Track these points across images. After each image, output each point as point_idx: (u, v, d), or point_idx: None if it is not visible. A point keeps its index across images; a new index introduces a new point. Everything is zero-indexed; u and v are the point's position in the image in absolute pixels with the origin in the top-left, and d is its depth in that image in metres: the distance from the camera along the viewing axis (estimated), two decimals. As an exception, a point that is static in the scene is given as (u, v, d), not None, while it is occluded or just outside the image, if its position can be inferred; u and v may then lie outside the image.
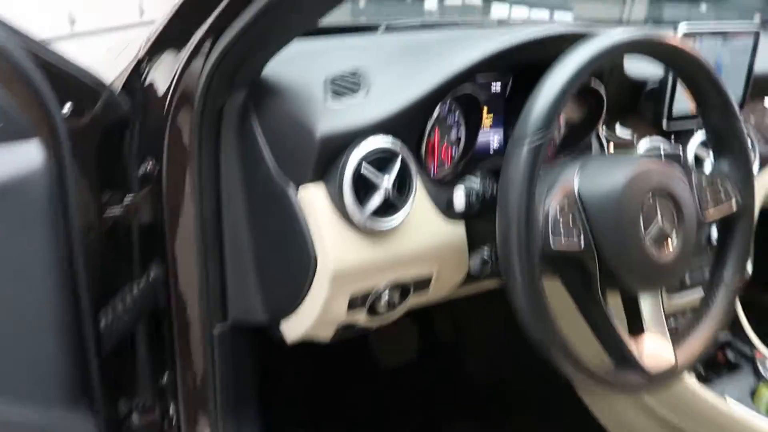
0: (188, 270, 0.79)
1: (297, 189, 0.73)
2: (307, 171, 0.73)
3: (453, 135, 0.87)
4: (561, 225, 0.68)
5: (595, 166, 0.72)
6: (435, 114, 0.80)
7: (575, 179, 0.71)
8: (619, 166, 0.72)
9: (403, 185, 0.74)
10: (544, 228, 0.67)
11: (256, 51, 0.69)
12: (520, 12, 2.06)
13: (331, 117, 0.73)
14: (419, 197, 0.77)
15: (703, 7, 2.48)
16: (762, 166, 1.11)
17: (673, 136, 1.01)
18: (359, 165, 0.71)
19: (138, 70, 0.80)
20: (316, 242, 0.73)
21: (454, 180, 0.85)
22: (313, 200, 0.73)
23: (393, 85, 0.79)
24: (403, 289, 0.81)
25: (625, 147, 0.97)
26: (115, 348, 0.79)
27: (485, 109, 0.86)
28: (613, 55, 0.70)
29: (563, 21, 2.09)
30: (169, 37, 0.75)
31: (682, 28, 0.97)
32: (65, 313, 0.74)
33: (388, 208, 0.73)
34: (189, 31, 0.69)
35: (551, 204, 0.68)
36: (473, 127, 0.87)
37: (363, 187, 0.71)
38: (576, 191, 0.70)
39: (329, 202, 0.73)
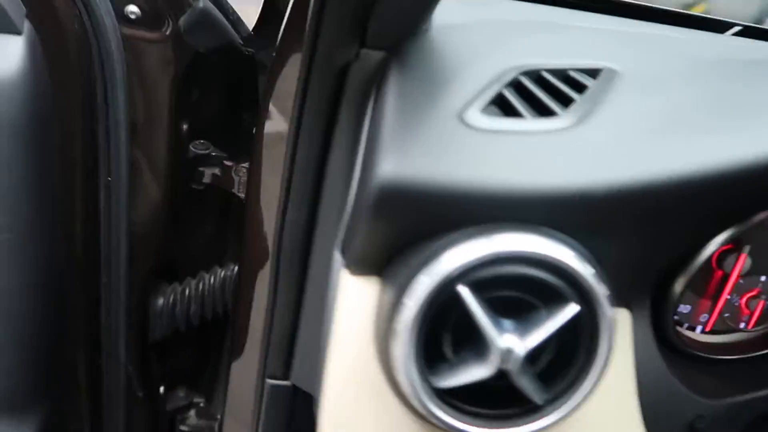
0: (257, 293, 0.52)
1: (340, 269, 0.40)
2: (354, 248, 0.37)
3: None
4: None
5: None
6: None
7: None
8: None
9: (565, 359, 0.35)
10: None
11: None
12: None
13: (457, 149, 0.35)
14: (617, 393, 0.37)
15: None
16: None
17: None
18: (468, 285, 0.33)
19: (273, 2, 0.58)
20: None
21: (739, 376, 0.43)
22: (352, 304, 0.38)
23: (661, 117, 0.39)
24: None
25: None
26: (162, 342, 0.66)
27: None
28: None
29: None
30: None
31: None
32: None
33: (504, 398, 0.35)
34: None
35: None
36: None
37: (455, 326, 0.34)
38: None
39: (374, 324, 0.38)
